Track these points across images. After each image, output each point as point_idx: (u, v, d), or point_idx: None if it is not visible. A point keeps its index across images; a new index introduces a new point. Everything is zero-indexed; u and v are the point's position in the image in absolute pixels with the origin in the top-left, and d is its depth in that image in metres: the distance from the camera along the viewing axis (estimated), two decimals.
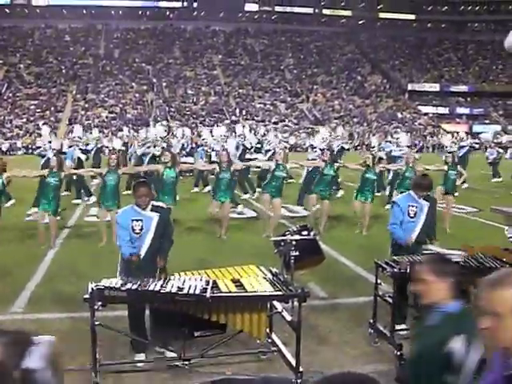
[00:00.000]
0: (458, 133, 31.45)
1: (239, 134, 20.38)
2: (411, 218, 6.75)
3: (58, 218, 11.48)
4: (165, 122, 21.65)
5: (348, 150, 21.09)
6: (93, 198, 16.12)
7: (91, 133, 22.60)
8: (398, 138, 21.89)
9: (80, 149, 17.50)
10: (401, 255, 6.22)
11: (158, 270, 5.83)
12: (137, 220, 5.82)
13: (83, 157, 17.38)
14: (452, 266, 3.38)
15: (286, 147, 18.67)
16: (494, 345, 2.11)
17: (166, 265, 6.06)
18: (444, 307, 3.21)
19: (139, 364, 5.57)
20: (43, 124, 44.07)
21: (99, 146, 20.23)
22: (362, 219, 12.22)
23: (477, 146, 20.52)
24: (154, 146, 17.27)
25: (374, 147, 19.59)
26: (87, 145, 18.95)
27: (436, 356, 3.01)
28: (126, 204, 6.69)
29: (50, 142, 16.77)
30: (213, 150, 19.08)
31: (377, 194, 15.65)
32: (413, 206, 6.76)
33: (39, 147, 18.82)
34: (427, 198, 6.90)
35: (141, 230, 5.81)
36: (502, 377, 2.01)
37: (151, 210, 5.90)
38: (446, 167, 12.84)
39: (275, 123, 56.08)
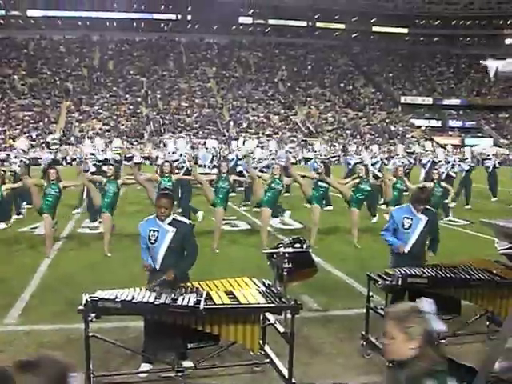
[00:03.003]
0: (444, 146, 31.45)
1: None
2: (405, 229, 6.80)
3: (53, 229, 11.52)
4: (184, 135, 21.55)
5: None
6: (81, 210, 16.44)
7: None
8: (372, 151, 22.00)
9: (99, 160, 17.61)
10: (400, 266, 6.27)
11: (175, 282, 5.71)
12: (154, 230, 5.85)
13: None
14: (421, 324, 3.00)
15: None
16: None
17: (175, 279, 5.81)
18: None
19: (133, 375, 5.57)
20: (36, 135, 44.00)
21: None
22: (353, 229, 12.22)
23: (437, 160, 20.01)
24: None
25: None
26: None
27: None
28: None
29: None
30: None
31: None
32: (408, 219, 6.80)
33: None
34: (426, 212, 6.90)
35: (155, 240, 5.83)
36: None
37: (170, 223, 5.89)
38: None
39: (269, 135, 56.17)
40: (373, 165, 17.81)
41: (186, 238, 5.98)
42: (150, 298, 4.99)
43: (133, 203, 17.73)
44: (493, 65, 5.18)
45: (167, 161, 12.88)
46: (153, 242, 5.83)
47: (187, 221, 6.27)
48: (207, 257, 10.89)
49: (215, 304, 5.01)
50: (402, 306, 3.11)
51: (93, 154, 17.48)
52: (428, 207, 7.02)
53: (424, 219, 6.82)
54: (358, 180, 12.30)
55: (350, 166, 20.41)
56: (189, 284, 5.55)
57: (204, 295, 5.10)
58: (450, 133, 67.31)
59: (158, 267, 5.86)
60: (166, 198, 5.97)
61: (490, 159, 22.41)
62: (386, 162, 20.21)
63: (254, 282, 5.68)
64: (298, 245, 6.28)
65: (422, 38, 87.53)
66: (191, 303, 4.92)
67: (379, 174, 16.22)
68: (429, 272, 6.04)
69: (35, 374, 2.16)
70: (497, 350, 5.05)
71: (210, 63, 76.26)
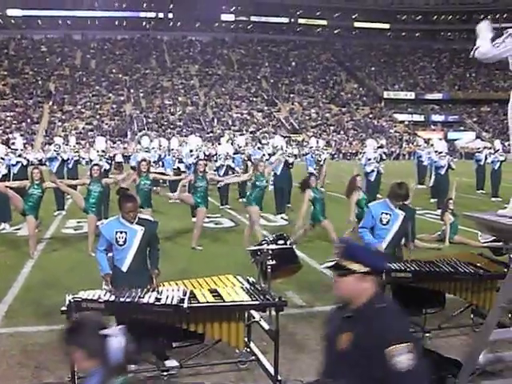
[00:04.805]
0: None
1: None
2: (384, 225, 6.72)
3: (37, 230, 11.44)
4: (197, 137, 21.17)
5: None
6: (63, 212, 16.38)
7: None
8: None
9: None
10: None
11: (147, 280, 5.76)
12: (121, 232, 5.77)
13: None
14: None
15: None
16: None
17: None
18: None
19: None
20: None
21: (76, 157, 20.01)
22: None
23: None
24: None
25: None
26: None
27: None
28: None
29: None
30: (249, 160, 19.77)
31: None
32: (386, 214, 6.72)
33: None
34: (403, 208, 6.86)
35: (124, 242, 5.76)
36: None
37: (137, 223, 5.84)
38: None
39: (252, 132, 56.18)
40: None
41: (153, 236, 6.03)
42: (134, 298, 4.96)
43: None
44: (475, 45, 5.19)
45: (144, 159, 12.77)
46: (121, 243, 5.76)
47: (151, 218, 6.26)
48: (190, 255, 10.88)
49: (199, 302, 4.98)
50: None
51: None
52: (405, 203, 6.99)
53: (401, 215, 6.77)
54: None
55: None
56: (172, 283, 5.53)
57: (188, 294, 5.08)
58: (433, 127, 67.73)
59: (124, 269, 5.81)
60: (132, 201, 5.92)
61: (480, 152, 22.45)
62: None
63: (238, 280, 5.66)
64: (281, 241, 6.27)
65: (403, 33, 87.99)
66: (175, 302, 4.90)
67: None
68: (413, 266, 6.05)
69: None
70: (481, 343, 5.08)
71: (192, 61, 76.13)
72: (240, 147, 21.68)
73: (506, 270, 5.87)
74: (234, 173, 19.48)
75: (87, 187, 11.47)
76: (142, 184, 11.43)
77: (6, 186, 11.28)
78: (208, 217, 12.63)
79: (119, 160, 26.69)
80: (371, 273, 2.87)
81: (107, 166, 17.22)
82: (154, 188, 14.77)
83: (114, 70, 70.38)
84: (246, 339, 5.63)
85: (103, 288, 5.78)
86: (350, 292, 2.93)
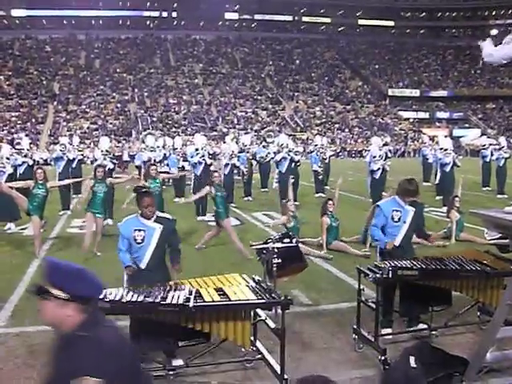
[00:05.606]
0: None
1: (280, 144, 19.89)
2: (395, 222, 6.68)
3: (42, 230, 11.45)
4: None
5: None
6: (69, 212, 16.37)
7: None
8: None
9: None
10: (388, 259, 6.26)
11: (166, 277, 5.82)
12: (139, 230, 5.78)
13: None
14: None
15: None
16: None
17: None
18: None
19: None
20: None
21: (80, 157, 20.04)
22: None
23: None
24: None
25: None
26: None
27: None
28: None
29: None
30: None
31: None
32: (397, 211, 6.67)
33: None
34: (413, 204, 6.83)
35: (142, 240, 5.77)
36: None
37: (155, 221, 5.85)
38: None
39: (256, 131, 56.17)
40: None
41: (172, 233, 6.04)
42: (139, 297, 4.95)
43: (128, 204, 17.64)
44: (488, 50, 5.16)
45: (153, 164, 12.74)
46: (139, 241, 5.77)
47: (169, 216, 6.26)
48: (196, 254, 10.87)
49: (205, 301, 4.97)
50: None
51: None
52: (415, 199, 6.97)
53: (412, 211, 6.75)
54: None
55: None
56: (178, 282, 5.52)
57: (194, 293, 5.07)
58: (438, 124, 67.55)
59: (143, 266, 5.82)
60: (149, 196, 5.94)
61: (486, 149, 22.34)
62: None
63: (243, 279, 5.64)
64: (287, 240, 6.26)
65: (408, 31, 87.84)
66: (181, 301, 4.89)
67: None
68: (419, 264, 6.02)
69: None
70: (488, 340, 5.06)
71: (196, 60, 76.10)
72: (245, 145, 21.67)
73: None
74: (239, 171, 19.48)
75: (92, 189, 11.36)
76: (152, 187, 11.34)
77: (10, 187, 11.30)
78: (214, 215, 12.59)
79: (126, 159, 26.78)
80: (72, 300, 2.71)
81: (111, 166, 17.24)
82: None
83: (118, 70, 70.40)
84: (251, 338, 5.63)
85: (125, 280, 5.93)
86: (51, 318, 2.76)
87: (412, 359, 4.50)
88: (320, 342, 6.39)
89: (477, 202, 16.97)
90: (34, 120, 57.06)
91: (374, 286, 6.00)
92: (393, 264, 5.94)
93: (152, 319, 5.02)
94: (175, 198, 18.05)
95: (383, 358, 5.55)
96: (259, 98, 68.27)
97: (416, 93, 72.38)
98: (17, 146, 18.33)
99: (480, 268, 6.04)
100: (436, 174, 18.75)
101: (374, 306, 5.96)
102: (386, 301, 6.22)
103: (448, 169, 17.51)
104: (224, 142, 25.37)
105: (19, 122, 56.35)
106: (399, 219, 6.68)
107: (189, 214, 15.09)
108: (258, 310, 5.52)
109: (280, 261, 5.88)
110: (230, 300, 5.03)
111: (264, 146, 23.68)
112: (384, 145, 18.54)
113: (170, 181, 20.34)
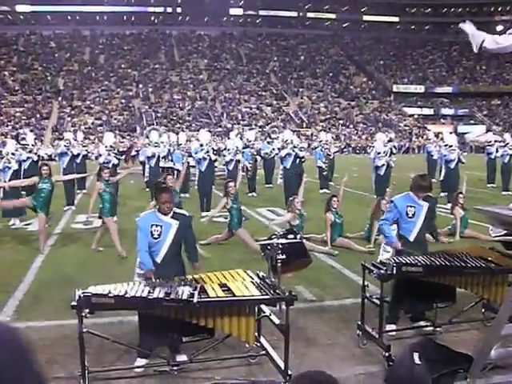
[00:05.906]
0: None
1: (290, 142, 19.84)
2: (409, 218, 6.70)
3: (47, 225, 11.47)
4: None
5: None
6: (73, 207, 16.46)
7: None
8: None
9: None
10: (404, 253, 6.33)
11: (181, 270, 5.93)
12: (156, 225, 5.87)
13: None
14: None
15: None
16: None
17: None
18: None
19: (128, 370, 5.54)
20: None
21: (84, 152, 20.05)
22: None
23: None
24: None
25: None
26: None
27: None
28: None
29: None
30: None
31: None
32: (411, 207, 6.70)
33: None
34: (426, 199, 6.86)
35: (159, 235, 5.85)
36: None
37: (172, 217, 5.93)
38: None
39: (261, 127, 56.14)
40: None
41: (187, 230, 6.11)
42: (144, 293, 4.96)
43: (133, 199, 17.68)
44: (479, 40, 5.12)
45: (170, 174, 12.62)
46: (156, 236, 5.86)
47: (186, 212, 6.29)
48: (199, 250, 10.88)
49: (209, 297, 4.97)
50: None
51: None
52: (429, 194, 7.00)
53: (425, 206, 6.79)
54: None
55: None
56: (182, 277, 5.52)
57: (198, 288, 5.06)
58: (443, 121, 67.42)
59: (159, 261, 5.89)
60: (167, 192, 6.00)
61: (491, 146, 22.24)
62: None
63: (248, 274, 5.64)
64: (291, 236, 6.26)
65: (412, 27, 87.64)
66: (185, 296, 4.89)
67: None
68: (424, 260, 6.01)
69: None
70: (492, 337, 5.05)
71: (201, 55, 76.07)
72: (249, 141, 21.64)
73: None
74: (243, 167, 19.45)
75: (99, 192, 11.11)
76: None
77: (13, 187, 11.30)
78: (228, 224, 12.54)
79: (134, 154, 26.79)
80: None
81: (116, 161, 17.24)
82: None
83: (122, 65, 70.43)
84: (256, 334, 5.63)
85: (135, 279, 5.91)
86: None
87: (416, 356, 4.50)
88: (324, 337, 6.39)
89: (481, 198, 16.93)
90: (38, 115, 57.14)
91: (379, 282, 6.00)
92: (397, 260, 5.94)
93: (156, 314, 5.03)
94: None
95: (387, 354, 5.55)
96: (264, 93, 68.24)
97: (421, 89, 72.24)
98: (22, 142, 18.29)
99: (485, 265, 6.03)
100: (441, 171, 18.70)
101: (378, 302, 5.96)
102: (396, 296, 6.24)
103: (453, 165, 17.48)
104: (228, 138, 25.34)
105: (24, 117, 56.42)
106: (413, 215, 6.71)
107: (193, 210, 15.03)
108: (263, 306, 5.52)
109: (284, 256, 5.87)
110: (234, 296, 5.03)
111: (268, 142, 23.62)
112: (388, 141, 18.50)
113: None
